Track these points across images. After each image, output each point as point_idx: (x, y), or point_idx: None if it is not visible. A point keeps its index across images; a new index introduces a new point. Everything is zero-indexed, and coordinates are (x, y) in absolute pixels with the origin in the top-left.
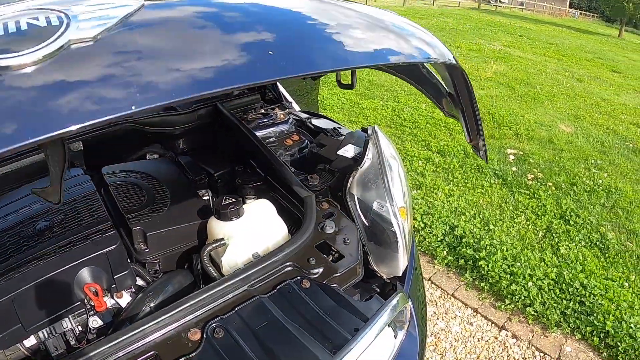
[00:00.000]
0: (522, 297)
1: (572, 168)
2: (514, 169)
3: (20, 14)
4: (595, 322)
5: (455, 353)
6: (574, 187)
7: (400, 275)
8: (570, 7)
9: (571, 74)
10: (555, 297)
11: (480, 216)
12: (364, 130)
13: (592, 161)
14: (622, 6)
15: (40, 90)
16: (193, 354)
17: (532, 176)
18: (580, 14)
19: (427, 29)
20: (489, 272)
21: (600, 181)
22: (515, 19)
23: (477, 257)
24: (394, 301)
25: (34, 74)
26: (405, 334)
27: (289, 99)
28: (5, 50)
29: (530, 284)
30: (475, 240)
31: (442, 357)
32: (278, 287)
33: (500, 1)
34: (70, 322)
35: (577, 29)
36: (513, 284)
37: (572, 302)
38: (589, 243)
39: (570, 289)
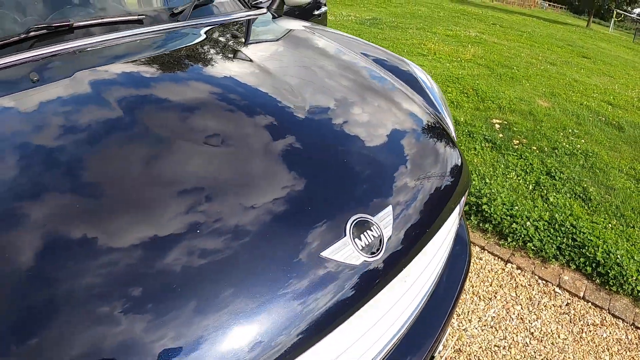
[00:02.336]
0: (522, 235)
1: (552, 135)
2: (500, 135)
3: None
4: (587, 253)
5: (471, 282)
6: (556, 150)
7: None
8: None
9: (544, 58)
10: (551, 235)
11: (477, 172)
12: None
13: (570, 130)
14: None
15: None
16: None
17: (518, 141)
18: (549, 5)
19: (402, 15)
20: (492, 215)
21: (578, 146)
22: (486, 9)
23: (479, 202)
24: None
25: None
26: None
27: None
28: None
29: (528, 223)
30: (476, 190)
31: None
32: None
33: None
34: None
35: (547, 19)
36: (514, 224)
37: (565, 239)
38: (574, 195)
39: (562, 229)
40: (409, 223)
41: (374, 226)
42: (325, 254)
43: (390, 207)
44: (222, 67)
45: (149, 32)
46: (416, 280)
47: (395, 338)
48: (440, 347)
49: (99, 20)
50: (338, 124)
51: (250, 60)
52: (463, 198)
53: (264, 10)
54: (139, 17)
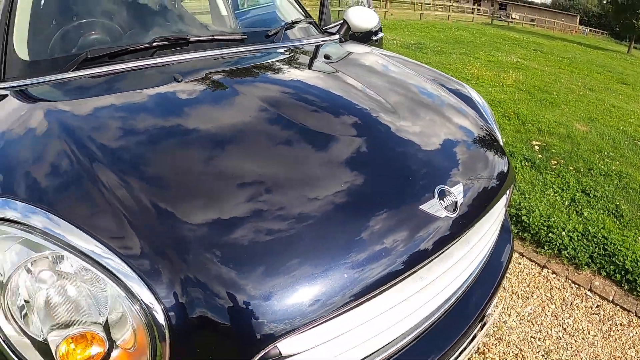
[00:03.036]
0: (558, 244)
1: (589, 157)
2: (539, 156)
3: None
4: (616, 262)
5: (510, 282)
6: (591, 171)
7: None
8: (580, 24)
9: (584, 84)
10: (584, 245)
11: (517, 189)
12: None
13: (605, 153)
14: (632, 23)
15: None
16: None
17: (555, 162)
18: (590, 30)
19: (445, 41)
20: (530, 225)
21: (613, 168)
22: (528, 35)
23: (519, 214)
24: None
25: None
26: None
27: None
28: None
29: (563, 234)
30: (516, 203)
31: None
32: None
33: (512, 17)
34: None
35: (588, 44)
36: (550, 234)
37: (597, 249)
38: (607, 211)
39: (595, 239)
40: (474, 197)
41: (451, 195)
42: (422, 207)
43: (461, 184)
44: (316, 77)
45: (251, 49)
46: (476, 243)
47: (458, 292)
48: (490, 310)
49: (211, 37)
50: (419, 125)
51: (336, 72)
52: (508, 191)
53: (336, 35)
54: (242, 37)
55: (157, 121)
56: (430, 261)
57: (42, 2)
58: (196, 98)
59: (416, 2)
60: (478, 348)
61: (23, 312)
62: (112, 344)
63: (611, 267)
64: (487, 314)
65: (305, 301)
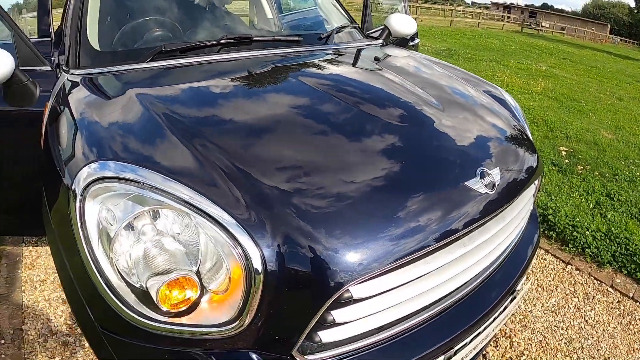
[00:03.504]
0: (582, 243)
1: (614, 164)
2: (566, 161)
3: None
4: (638, 261)
5: (536, 276)
6: (616, 177)
7: None
8: (610, 33)
9: (612, 93)
10: (607, 244)
11: (544, 190)
12: None
13: (631, 160)
14: None
15: None
16: None
17: (582, 167)
18: (621, 40)
19: (475, 48)
20: (556, 224)
21: (638, 174)
22: (557, 43)
23: (545, 213)
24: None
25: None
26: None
27: None
28: None
29: (587, 233)
30: (543, 204)
31: (526, 278)
32: None
33: (542, 25)
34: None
35: (617, 54)
36: (574, 232)
37: (619, 248)
38: (630, 215)
39: (617, 240)
40: (508, 180)
41: (490, 176)
42: (467, 183)
43: (498, 168)
44: (367, 73)
45: (306, 49)
46: (510, 222)
47: (494, 265)
48: (519, 287)
49: (272, 38)
50: (459, 118)
51: (382, 70)
52: (537, 181)
53: (379, 39)
54: (299, 38)
55: (237, 102)
56: (472, 230)
57: (109, 2)
58: (269, 85)
59: (446, 9)
60: (505, 333)
61: (126, 263)
62: (203, 289)
63: (632, 265)
64: (516, 289)
65: (374, 253)
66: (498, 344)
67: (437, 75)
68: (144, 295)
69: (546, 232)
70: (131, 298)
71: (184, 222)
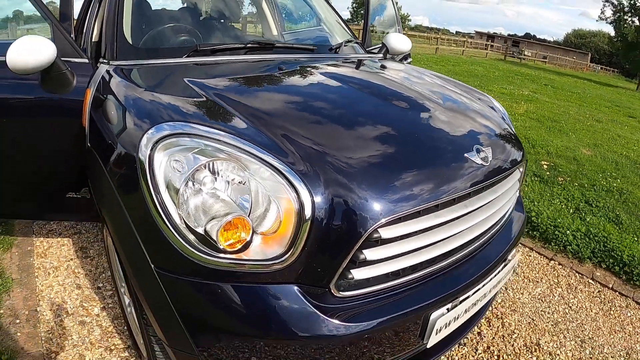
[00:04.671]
0: (563, 241)
1: (593, 176)
2: (547, 173)
3: None
4: (615, 256)
5: (522, 270)
6: (594, 187)
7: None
8: (591, 61)
9: (591, 116)
10: (586, 242)
11: (527, 198)
12: None
13: (608, 173)
14: None
15: None
16: None
17: (562, 179)
18: (601, 68)
19: (460, 74)
20: (539, 225)
21: (615, 185)
22: (539, 71)
23: (529, 215)
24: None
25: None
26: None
27: None
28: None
29: (568, 232)
30: (527, 208)
31: (513, 271)
32: None
33: (524, 54)
34: None
35: (598, 81)
36: (556, 231)
37: (598, 245)
38: (607, 219)
39: (596, 238)
40: (499, 158)
41: (484, 152)
42: (466, 154)
43: (490, 148)
44: (375, 72)
45: (320, 56)
46: (501, 195)
47: (491, 231)
48: (510, 256)
49: (291, 45)
50: (457, 110)
51: (387, 72)
52: (522, 169)
53: (379, 54)
54: (313, 47)
55: (274, 85)
56: (471, 194)
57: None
58: (298, 75)
59: (432, 37)
60: (497, 315)
61: (189, 209)
62: (254, 231)
63: (610, 260)
64: (508, 258)
65: (396, 201)
66: (491, 324)
67: (436, 81)
68: (203, 237)
69: (530, 232)
70: (193, 238)
71: (240, 173)
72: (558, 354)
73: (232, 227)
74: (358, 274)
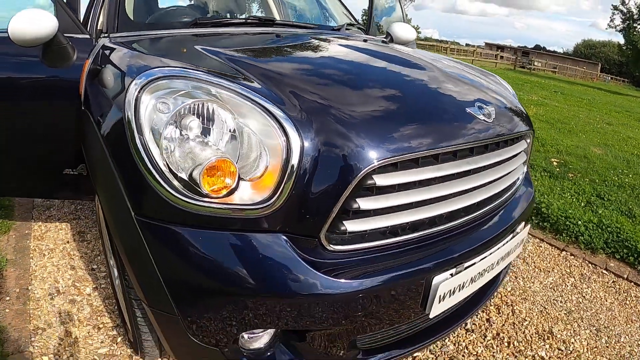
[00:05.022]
0: (575, 231)
1: (604, 172)
2: (557, 169)
3: None
4: (629, 246)
5: (533, 260)
6: (605, 182)
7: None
8: (601, 71)
9: (602, 119)
10: (599, 233)
11: (537, 191)
12: None
13: (619, 170)
14: None
15: None
16: None
17: (572, 175)
18: (612, 78)
19: None
20: (549, 216)
21: (627, 180)
22: (549, 80)
23: (539, 207)
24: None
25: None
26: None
27: None
28: None
29: (579, 222)
30: (537, 202)
31: (523, 261)
32: None
33: (534, 64)
34: None
35: (608, 90)
36: (567, 222)
37: (611, 235)
38: (620, 212)
39: (609, 229)
40: (502, 118)
41: (486, 109)
42: (468, 109)
43: (494, 106)
44: (377, 47)
45: (321, 31)
46: (507, 162)
47: (496, 200)
48: (519, 229)
49: (292, 23)
50: (465, 77)
51: (389, 46)
52: (529, 140)
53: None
54: (314, 25)
55: (275, 47)
56: (474, 151)
57: None
58: (298, 40)
59: (441, 46)
60: (506, 302)
61: (173, 154)
62: (240, 177)
63: (625, 250)
64: (516, 230)
65: (389, 146)
66: (500, 311)
67: (441, 57)
68: (187, 182)
69: (540, 223)
70: (176, 183)
71: (229, 117)
72: (572, 342)
73: (217, 172)
74: (352, 226)
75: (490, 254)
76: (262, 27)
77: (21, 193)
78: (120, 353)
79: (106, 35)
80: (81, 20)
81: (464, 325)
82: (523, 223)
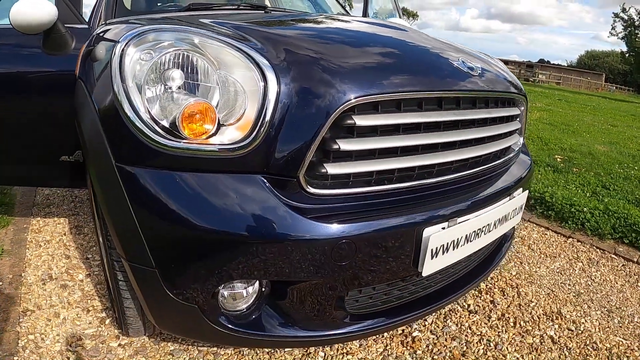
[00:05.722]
0: (581, 219)
1: (608, 166)
2: (561, 165)
3: None
4: (638, 230)
5: (538, 247)
6: (611, 175)
7: None
8: (606, 81)
9: (606, 121)
10: (606, 218)
11: (540, 183)
12: None
13: (625, 164)
14: None
15: None
16: None
17: (577, 169)
18: (616, 87)
19: None
20: (554, 204)
21: (632, 173)
22: (553, 90)
23: (543, 196)
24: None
25: None
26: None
27: None
28: None
29: (585, 209)
30: (540, 190)
31: (528, 248)
32: None
33: (538, 77)
34: None
35: (612, 98)
36: (573, 209)
37: (619, 221)
38: (626, 200)
39: (615, 214)
40: (491, 77)
41: (470, 64)
42: (454, 63)
43: (481, 67)
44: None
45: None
46: (497, 121)
47: (486, 161)
48: (516, 194)
49: (282, 9)
50: (454, 45)
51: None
52: (523, 107)
53: None
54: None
55: (266, 20)
56: (460, 103)
57: None
58: (288, 12)
59: None
60: (511, 285)
61: (156, 103)
62: (220, 123)
63: (633, 234)
64: (513, 194)
65: (371, 83)
66: (505, 293)
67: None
68: (169, 129)
69: (544, 212)
70: (158, 128)
71: (210, 65)
72: (583, 322)
73: (197, 117)
74: (333, 169)
75: (485, 212)
76: (255, 10)
77: (16, 181)
78: (107, 334)
79: (103, 22)
80: (87, 19)
81: (466, 306)
82: (521, 189)
